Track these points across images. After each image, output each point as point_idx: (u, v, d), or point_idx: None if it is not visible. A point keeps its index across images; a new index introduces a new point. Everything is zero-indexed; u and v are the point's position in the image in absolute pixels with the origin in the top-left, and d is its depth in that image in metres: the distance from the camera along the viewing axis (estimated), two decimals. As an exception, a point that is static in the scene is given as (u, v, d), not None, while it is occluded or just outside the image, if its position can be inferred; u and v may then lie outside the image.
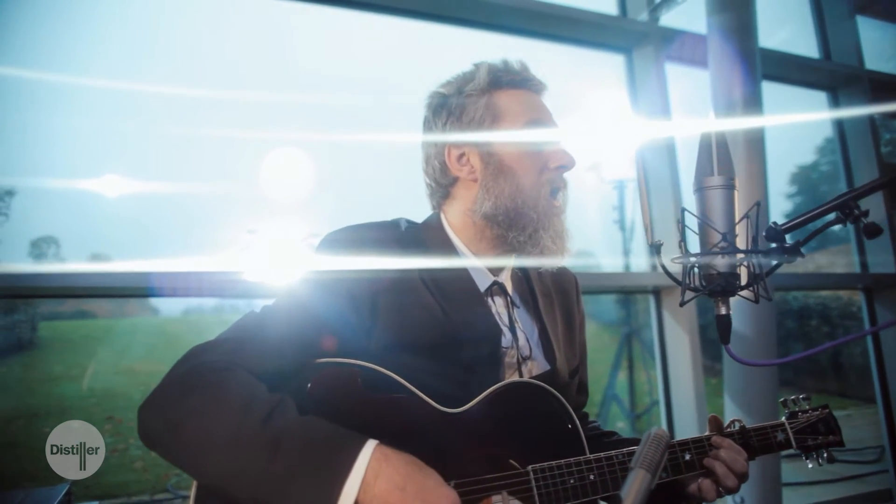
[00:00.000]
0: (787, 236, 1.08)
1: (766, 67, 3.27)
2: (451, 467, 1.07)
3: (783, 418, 1.34)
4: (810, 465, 1.32)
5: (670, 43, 3.11)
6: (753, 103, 2.57)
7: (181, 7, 3.20)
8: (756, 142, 2.57)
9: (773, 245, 1.05)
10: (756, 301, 1.05)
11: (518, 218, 1.24)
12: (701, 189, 1.06)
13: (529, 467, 1.10)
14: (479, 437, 1.12)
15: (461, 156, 1.28)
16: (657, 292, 3.10)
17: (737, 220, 1.04)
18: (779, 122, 2.86)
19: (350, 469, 0.89)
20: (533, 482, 1.09)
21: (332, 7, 3.02)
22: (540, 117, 1.28)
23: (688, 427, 2.83)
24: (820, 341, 7.47)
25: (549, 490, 1.09)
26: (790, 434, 1.30)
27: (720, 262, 1.03)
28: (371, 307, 1.15)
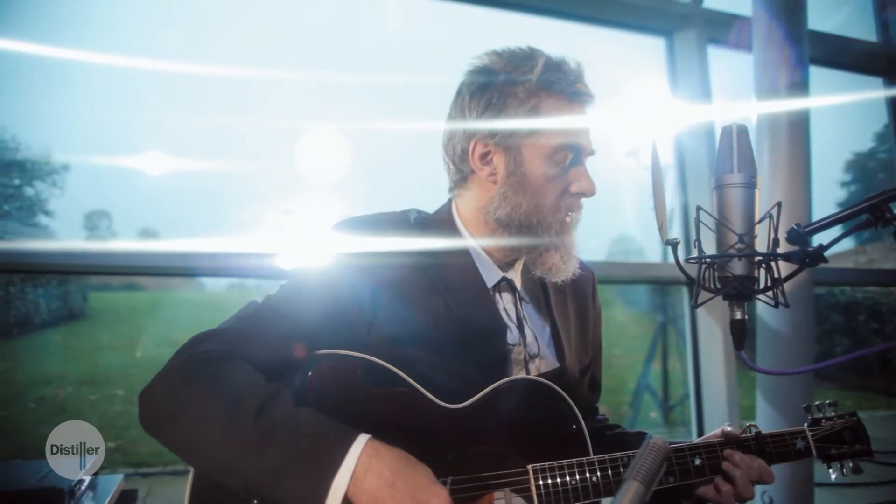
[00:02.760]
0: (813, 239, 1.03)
1: (819, 52, 3.11)
2: (450, 463, 1.07)
3: (805, 425, 1.28)
4: (833, 476, 1.26)
5: (713, 26, 2.98)
6: (799, 88, 2.44)
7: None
8: (800, 127, 2.44)
9: (796, 248, 0.99)
10: (775, 306, 1.00)
11: (530, 236, 1.21)
12: (720, 186, 1.01)
13: (529, 466, 1.08)
14: (480, 433, 1.11)
15: (486, 154, 1.22)
16: (691, 283, 3.01)
17: (757, 220, 0.99)
18: (819, 104, 2.69)
19: (340, 464, 0.89)
20: (532, 481, 1.07)
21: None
22: (578, 141, 1.21)
23: (718, 423, 2.75)
24: (867, 337, 7.16)
25: (548, 489, 1.07)
26: (811, 442, 1.24)
27: (736, 265, 0.98)
28: (372, 300, 1.14)
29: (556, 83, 1.19)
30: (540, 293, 1.34)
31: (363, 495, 0.89)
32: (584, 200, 1.27)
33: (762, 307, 2.45)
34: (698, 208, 1.01)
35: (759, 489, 2.53)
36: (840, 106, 3.80)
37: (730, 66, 3.13)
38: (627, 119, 3.52)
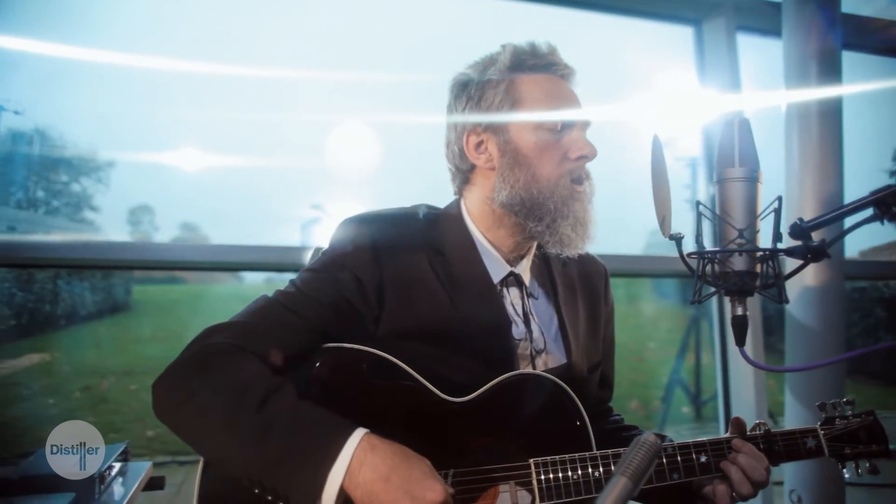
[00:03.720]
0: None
1: (859, 37, 3.02)
2: (452, 456, 1.08)
3: (818, 423, 1.25)
4: (847, 476, 1.24)
5: (743, 12, 2.89)
6: (831, 75, 2.35)
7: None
8: (831, 115, 2.35)
9: (798, 243, 0.97)
10: (779, 302, 0.98)
11: (535, 208, 1.21)
12: (721, 181, 0.99)
13: (531, 460, 1.09)
14: (483, 427, 1.12)
15: (479, 143, 1.26)
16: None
17: (759, 215, 0.98)
18: (855, 90, 2.59)
19: (336, 457, 0.92)
20: (534, 475, 1.08)
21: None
22: (562, 104, 1.23)
23: (746, 419, 2.69)
24: (912, 332, 6.82)
25: (549, 484, 1.08)
26: (822, 441, 1.21)
27: (737, 260, 0.97)
28: (377, 295, 1.16)
29: (526, 60, 1.24)
30: (549, 288, 1.35)
31: (358, 488, 0.91)
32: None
33: (792, 301, 2.39)
34: (698, 203, 1.00)
35: (787, 487, 2.48)
36: (889, 91, 3.65)
37: (761, 54, 3.05)
38: (658, 109, 3.46)
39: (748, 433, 1.21)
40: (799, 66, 2.41)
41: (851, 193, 2.33)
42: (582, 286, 1.39)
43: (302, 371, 1.09)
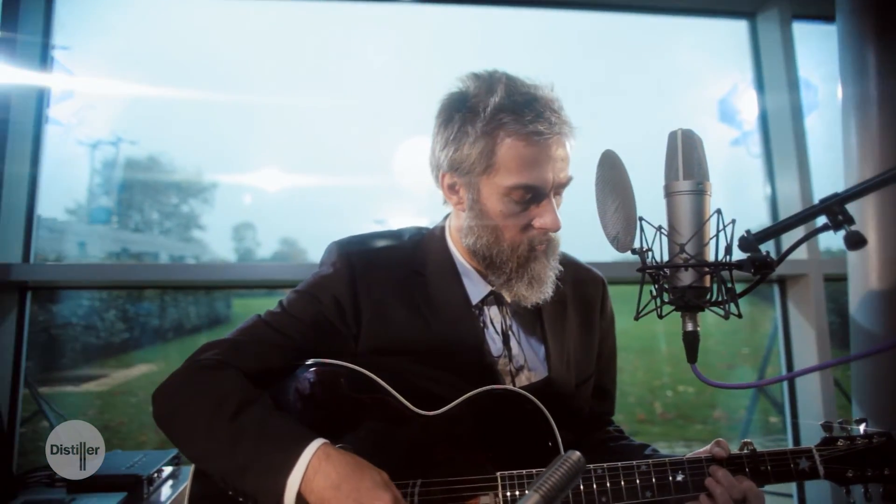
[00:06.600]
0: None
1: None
2: (421, 467, 1.13)
3: (814, 444, 1.17)
4: (853, 501, 1.15)
5: (797, 1, 2.70)
6: (889, 60, 2.15)
7: (317, 30, 3.53)
8: (893, 102, 2.14)
9: (747, 256, 0.93)
10: (725, 318, 0.95)
11: (493, 266, 1.26)
12: (668, 194, 0.98)
13: (497, 473, 1.11)
14: (453, 439, 1.16)
15: (453, 185, 1.28)
16: (782, 282, 2.76)
17: (707, 230, 0.95)
18: None
19: (293, 465, 0.99)
20: (500, 488, 1.10)
21: (469, 6, 2.98)
22: (534, 182, 1.19)
23: (813, 432, 2.50)
24: None
25: (515, 498, 1.09)
26: (817, 462, 1.13)
27: (685, 275, 0.95)
28: (355, 314, 1.23)
29: (508, 124, 1.17)
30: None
31: (312, 494, 0.98)
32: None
33: (855, 305, 2.20)
34: (640, 218, 0.98)
35: None
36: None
37: (819, 43, 2.84)
38: (718, 107, 3.32)
39: (733, 453, 1.15)
40: (854, 51, 2.22)
41: (920, 187, 2.11)
42: (574, 299, 1.39)
43: (284, 384, 1.18)
